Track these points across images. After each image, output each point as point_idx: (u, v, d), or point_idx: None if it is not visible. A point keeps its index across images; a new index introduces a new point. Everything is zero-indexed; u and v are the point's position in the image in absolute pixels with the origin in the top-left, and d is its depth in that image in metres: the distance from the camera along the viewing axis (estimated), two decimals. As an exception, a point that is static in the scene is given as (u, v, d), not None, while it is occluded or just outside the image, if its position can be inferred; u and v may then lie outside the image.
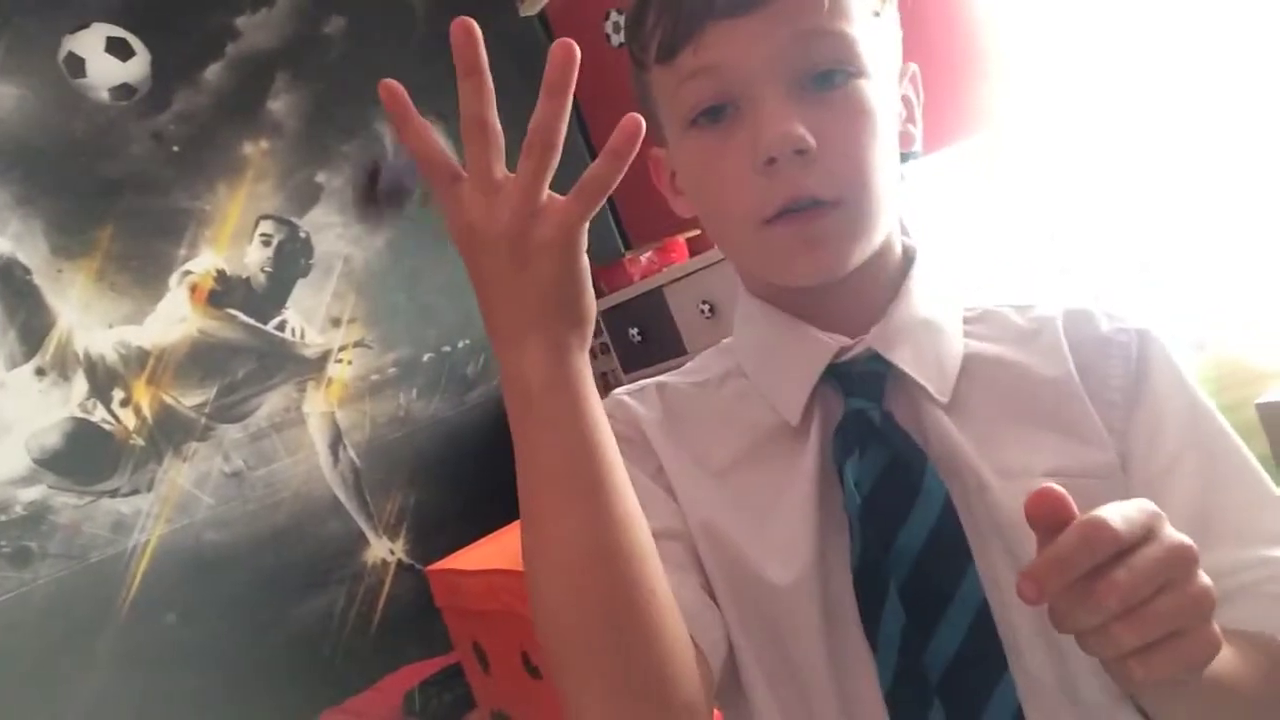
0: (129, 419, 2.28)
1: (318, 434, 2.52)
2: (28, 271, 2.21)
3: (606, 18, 2.78)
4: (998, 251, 2.03)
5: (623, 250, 2.93)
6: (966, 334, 0.71)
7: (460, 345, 2.75)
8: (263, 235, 2.53)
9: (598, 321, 2.81)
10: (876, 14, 0.66)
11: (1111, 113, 1.85)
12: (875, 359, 0.67)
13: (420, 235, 2.73)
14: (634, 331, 2.56)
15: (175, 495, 2.31)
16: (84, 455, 2.21)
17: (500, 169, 0.54)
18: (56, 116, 2.29)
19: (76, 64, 2.33)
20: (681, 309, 2.39)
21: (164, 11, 2.45)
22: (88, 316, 2.27)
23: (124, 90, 2.39)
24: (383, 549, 2.55)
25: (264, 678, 2.32)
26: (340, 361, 2.58)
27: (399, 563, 2.56)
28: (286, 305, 2.53)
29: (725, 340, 0.77)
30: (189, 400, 2.36)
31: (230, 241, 2.48)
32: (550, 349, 0.54)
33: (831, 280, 0.65)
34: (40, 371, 2.20)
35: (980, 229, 2.00)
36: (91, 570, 2.18)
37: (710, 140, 0.65)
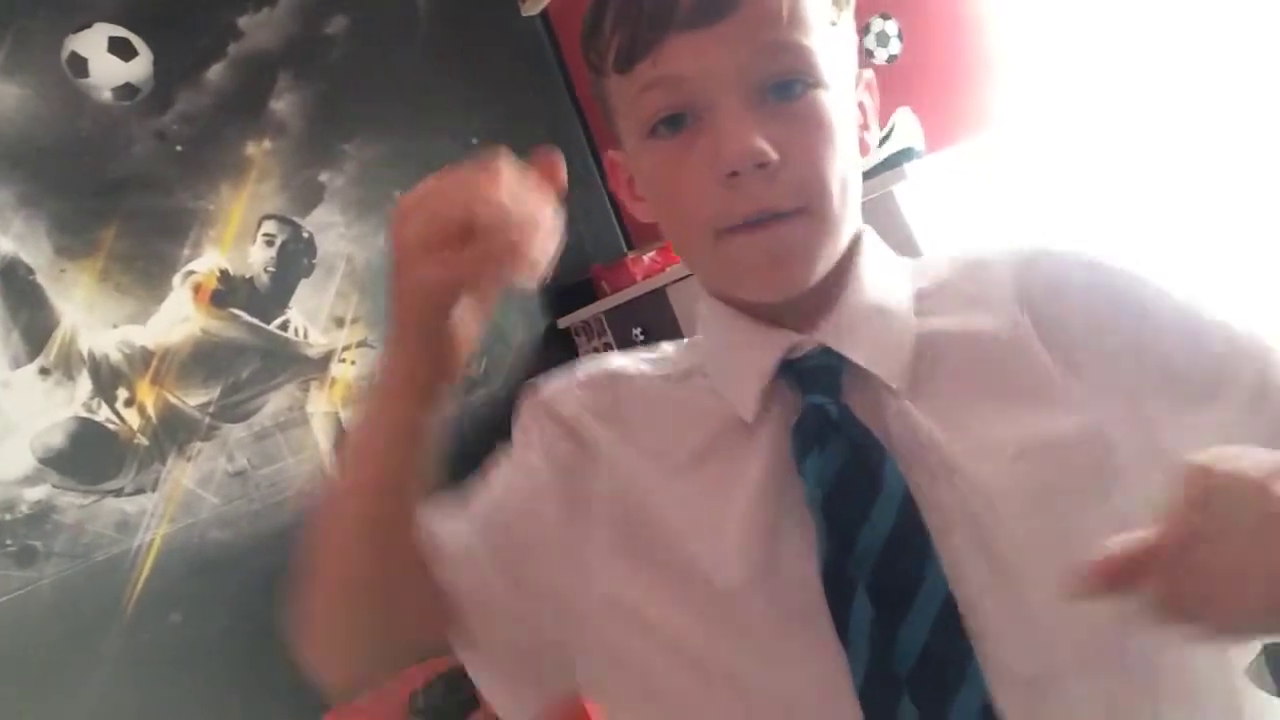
0: (133, 418, 2.28)
1: (321, 433, 2.52)
2: (31, 271, 2.22)
3: (609, 17, 2.78)
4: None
5: (626, 250, 2.93)
6: (919, 311, 0.69)
7: (463, 345, 2.75)
8: (266, 235, 2.53)
9: (601, 321, 2.82)
10: (833, 24, 0.66)
11: (1114, 112, 1.85)
12: (827, 353, 0.67)
13: (423, 235, 2.73)
14: (637, 331, 2.56)
15: (179, 495, 2.31)
16: (88, 455, 2.22)
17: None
18: (60, 116, 2.29)
19: (79, 64, 2.33)
20: (684, 308, 2.38)
21: (166, 11, 2.45)
22: (91, 316, 2.27)
23: (127, 90, 2.39)
24: (386, 548, 2.55)
25: (268, 677, 2.32)
26: (344, 361, 2.58)
27: (402, 562, 2.56)
28: (290, 305, 2.53)
29: (695, 337, 0.78)
30: (193, 400, 2.36)
31: (233, 241, 2.48)
32: (402, 359, 0.65)
33: (794, 295, 0.66)
34: (44, 371, 2.20)
35: (983, 229, 2.00)
36: (96, 570, 2.19)
37: (670, 150, 0.65)
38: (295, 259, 2.56)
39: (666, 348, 0.79)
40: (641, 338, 2.55)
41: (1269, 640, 0.59)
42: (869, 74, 0.71)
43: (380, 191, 2.69)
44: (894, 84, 2.14)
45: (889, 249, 0.73)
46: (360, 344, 2.61)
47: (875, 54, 2.18)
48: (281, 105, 2.60)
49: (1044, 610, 0.58)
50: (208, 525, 2.33)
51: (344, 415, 2.55)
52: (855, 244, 0.70)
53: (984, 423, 0.64)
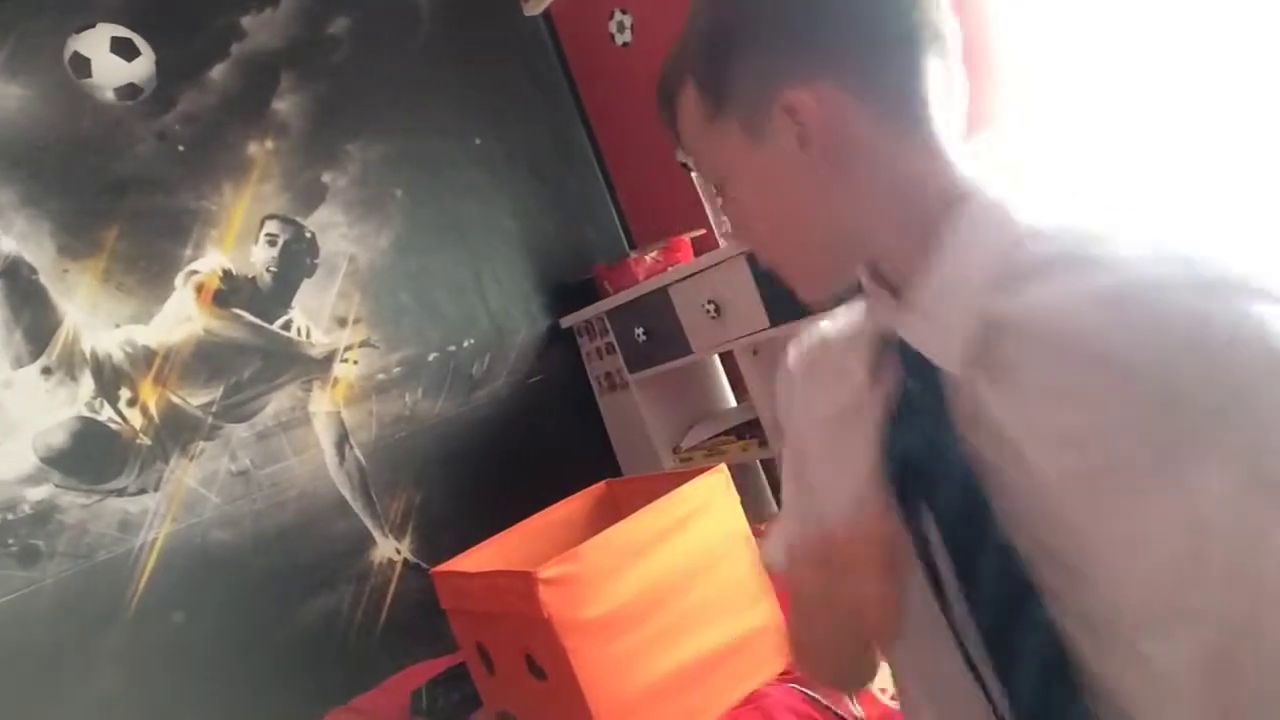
0: (136, 418, 2.29)
1: (324, 433, 2.53)
2: (34, 271, 2.22)
3: (610, 17, 2.78)
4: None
5: (628, 250, 2.93)
6: (1008, 288, 0.63)
7: (465, 345, 2.75)
8: (268, 235, 2.53)
9: (603, 321, 2.82)
10: (712, 118, 0.70)
11: (1116, 109, 1.85)
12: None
13: (425, 235, 2.74)
14: (639, 331, 2.56)
15: (182, 494, 2.31)
16: (91, 454, 2.22)
17: None
18: (62, 117, 2.30)
19: (82, 64, 2.33)
20: (687, 308, 2.38)
21: (169, 12, 2.46)
22: (94, 316, 2.28)
23: (129, 90, 2.39)
24: (389, 548, 2.55)
25: (270, 676, 2.33)
26: (346, 361, 2.58)
27: (405, 562, 2.56)
28: (292, 305, 2.54)
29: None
30: (195, 400, 2.37)
31: (236, 241, 2.48)
32: None
33: (815, 301, 0.75)
34: (47, 371, 2.20)
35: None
36: (99, 569, 2.19)
37: None
38: (298, 259, 2.56)
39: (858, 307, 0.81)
40: (643, 337, 2.55)
41: None
42: (787, 97, 0.66)
43: (383, 191, 2.69)
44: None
45: (996, 214, 0.66)
46: (362, 344, 2.61)
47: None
48: (284, 105, 2.60)
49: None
50: (210, 525, 2.33)
51: (346, 415, 2.55)
52: (950, 207, 0.66)
53: (1057, 418, 0.60)
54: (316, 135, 2.63)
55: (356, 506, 2.53)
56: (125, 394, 2.28)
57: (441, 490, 2.63)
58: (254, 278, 2.50)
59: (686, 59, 0.71)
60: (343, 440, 2.54)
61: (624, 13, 2.75)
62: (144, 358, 2.32)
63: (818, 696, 1.55)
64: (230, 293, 2.46)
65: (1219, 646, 0.56)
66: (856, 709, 1.52)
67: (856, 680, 0.96)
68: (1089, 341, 0.58)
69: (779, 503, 0.93)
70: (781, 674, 1.63)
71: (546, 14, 2.99)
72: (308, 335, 2.54)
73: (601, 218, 3.01)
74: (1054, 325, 0.60)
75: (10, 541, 2.11)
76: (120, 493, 2.24)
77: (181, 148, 2.44)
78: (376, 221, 2.68)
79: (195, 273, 2.42)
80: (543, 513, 2.00)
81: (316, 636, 2.40)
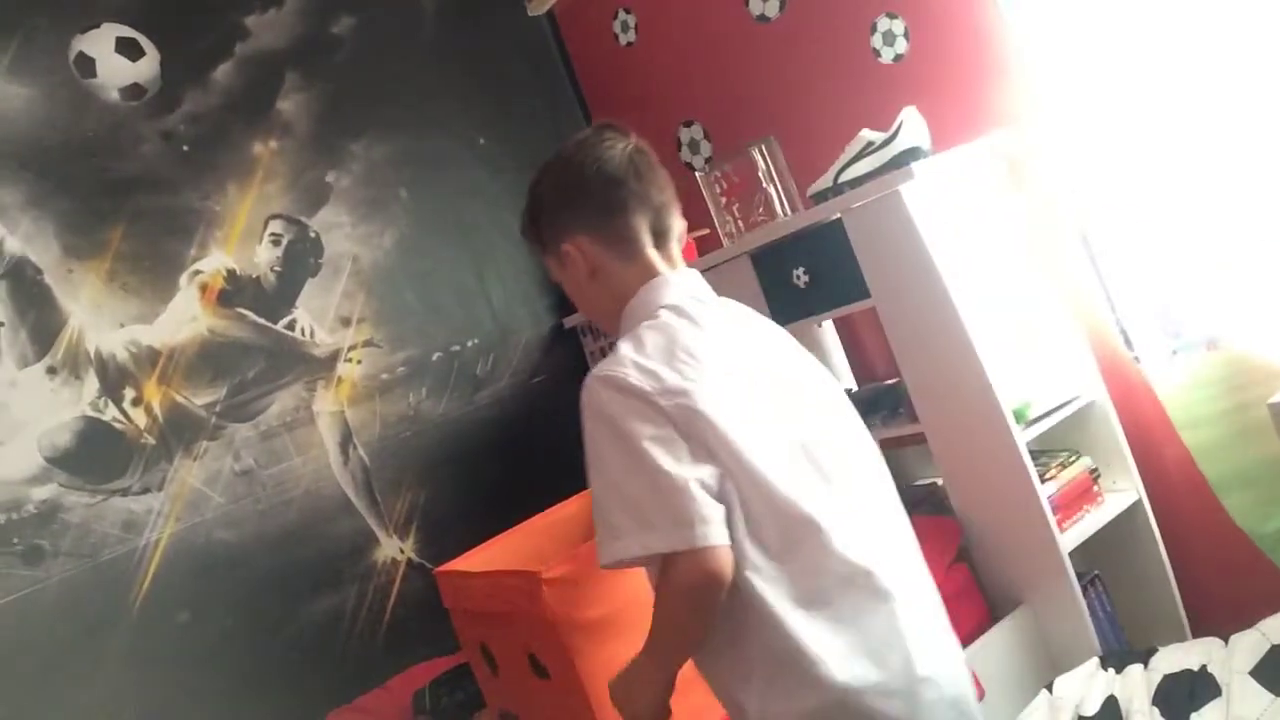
0: (140, 418, 2.29)
1: (328, 433, 2.53)
2: (39, 271, 2.23)
3: (615, 17, 2.78)
4: (1018, 247, 2.02)
5: (632, 249, 2.92)
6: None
7: (469, 344, 2.76)
8: (272, 235, 2.53)
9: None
10: (540, 251, 1.28)
11: (1130, 110, 1.84)
12: None
13: (429, 235, 2.74)
14: (643, 330, 2.56)
15: (186, 494, 2.32)
16: (95, 454, 2.22)
17: None
18: (67, 117, 2.30)
19: (87, 64, 2.34)
20: (690, 308, 2.38)
21: (174, 11, 2.46)
22: (98, 316, 2.28)
23: (134, 90, 2.40)
24: (393, 548, 2.55)
25: (274, 676, 2.33)
26: (350, 361, 2.58)
27: (409, 561, 2.56)
28: (296, 305, 2.54)
29: None
30: (199, 399, 2.37)
31: (240, 241, 2.48)
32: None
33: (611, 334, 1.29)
34: (52, 371, 2.21)
35: (998, 226, 1.99)
36: (103, 569, 2.19)
37: None
38: (302, 259, 2.56)
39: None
40: (647, 337, 2.55)
41: None
42: (565, 245, 1.22)
43: (387, 191, 2.69)
44: (900, 83, 2.14)
45: (649, 299, 1.21)
46: (366, 343, 2.61)
47: (881, 53, 2.18)
48: (288, 105, 2.61)
49: None
50: (214, 524, 2.33)
51: (350, 414, 2.56)
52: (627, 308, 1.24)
53: None
54: (321, 135, 2.63)
55: (360, 506, 2.53)
56: (129, 394, 2.29)
57: (445, 490, 2.63)
58: (258, 277, 2.50)
59: (523, 218, 1.28)
60: (347, 440, 2.54)
61: (628, 12, 2.75)
62: (148, 357, 2.32)
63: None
64: (234, 292, 2.46)
65: None
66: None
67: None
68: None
69: None
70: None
71: (550, 14, 2.99)
72: (312, 335, 2.55)
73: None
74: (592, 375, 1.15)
75: (15, 541, 2.11)
76: (124, 492, 2.25)
77: (186, 148, 2.44)
78: (380, 221, 2.68)
79: (199, 272, 2.42)
80: (547, 512, 2.00)
81: (320, 636, 2.41)
